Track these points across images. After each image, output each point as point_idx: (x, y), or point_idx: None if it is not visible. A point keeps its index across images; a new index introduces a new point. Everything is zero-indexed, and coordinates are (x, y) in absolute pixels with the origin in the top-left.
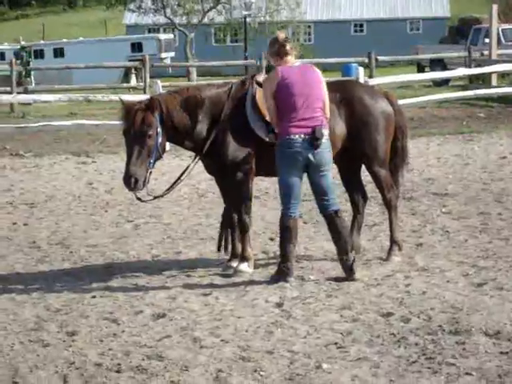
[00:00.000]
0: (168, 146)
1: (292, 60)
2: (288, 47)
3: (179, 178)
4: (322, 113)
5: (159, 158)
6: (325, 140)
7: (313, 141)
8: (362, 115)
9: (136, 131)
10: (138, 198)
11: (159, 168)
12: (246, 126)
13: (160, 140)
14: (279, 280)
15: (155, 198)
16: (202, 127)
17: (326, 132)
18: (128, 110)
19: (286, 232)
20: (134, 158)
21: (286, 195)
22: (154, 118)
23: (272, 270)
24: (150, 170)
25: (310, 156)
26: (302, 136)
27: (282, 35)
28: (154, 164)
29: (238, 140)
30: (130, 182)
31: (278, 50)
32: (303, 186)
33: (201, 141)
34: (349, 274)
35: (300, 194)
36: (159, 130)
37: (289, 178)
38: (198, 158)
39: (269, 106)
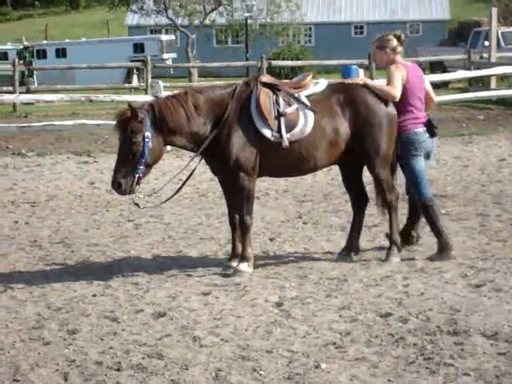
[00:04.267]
0: (168, 146)
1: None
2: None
3: (183, 185)
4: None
5: (154, 162)
6: None
7: (433, 129)
8: (365, 116)
9: (122, 138)
10: (136, 204)
11: (161, 168)
12: (250, 126)
13: (150, 145)
14: (445, 258)
15: (157, 205)
16: (203, 129)
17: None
18: (117, 117)
19: (432, 210)
20: (119, 164)
21: (421, 181)
22: (139, 124)
23: (272, 270)
24: (137, 175)
25: (429, 144)
26: (424, 128)
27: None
28: (144, 169)
29: (243, 140)
30: (115, 186)
31: (397, 45)
32: (303, 187)
33: (202, 142)
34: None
35: None
36: (148, 135)
37: (420, 166)
38: (200, 159)
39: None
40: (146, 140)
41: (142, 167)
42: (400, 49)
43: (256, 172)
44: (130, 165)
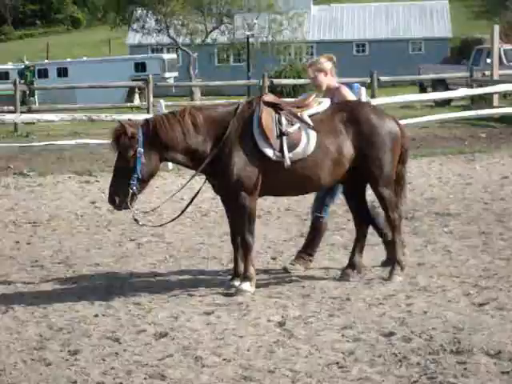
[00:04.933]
0: (170, 165)
1: None
2: None
3: (189, 205)
4: None
5: (148, 178)
6: None
7: None
8: (368, 135)
9: (116, 154)
10: (135, 220)
11: (162, 187)
12: (252, 145)
13: (143, 161)
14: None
15: (160, 225)
16: (202, 146)
17: None
18: (111, 134)
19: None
20: (114, 180)
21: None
22: (131, 140)
23: (274, 289)
24: (131, 191)
25: None
26: None
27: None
28: (138, 185)
29: (244, 159)
30: (111, 202)
31: (332, 67)
32: (305, 205)
33: (202, 160)
34: None
35: None
36: (140, 151)
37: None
38: (205, 179)
39: None
40: (138, 155)
41: (135, 182)
42: (335, 70)
43: (257, 191)
44: (123, 180)
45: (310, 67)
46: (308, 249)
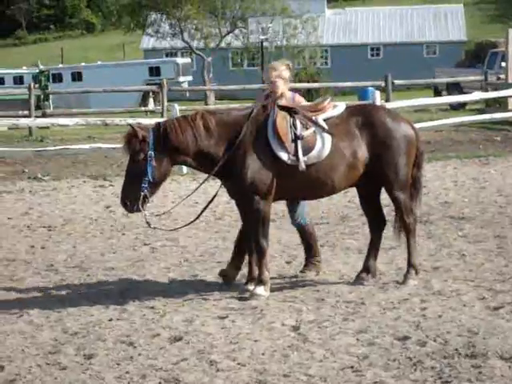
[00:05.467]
0: (185, 169)
1: None
2: None
3: (205, 209)
4: None
5: (159, 181)
6: None
7: None
8: (383, 139)
9: (129, 157)
10: (147, 223)
11: (177, 191)
12: (266, 149)
13: (153, 164)
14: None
15: (175, 229)
16: (214, 150)
17: None
18: (123, 137)
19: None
20: (126, 183)
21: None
22: (142, 143)
23: (288, 293)
24: (143, 194)
25: None
26: None
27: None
28: (149, 187)
29: (258, 163)
30: (123, 204)
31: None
32: (319, 210)
33: (214, 163)
34: None
35: None
36: (151, 154)
37: None
38: (221, 184)
39: None
40: (149, 159)
41: (146, 185)
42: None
43: (272, 195)
44: (135, 183)
45: (273, 71)
46: (310, 253)
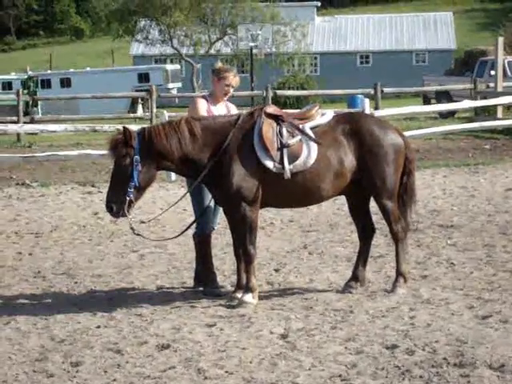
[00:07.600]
0: (174, 176)
1: None
2: None
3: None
4: None
5: (145, 186)
6: None
7: None
8: (370, 147)
9: (113, 161)
10: (131, 228)
11: (166, 198)
12: (252, 157)
13: (139, 169)
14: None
15: (166, 239)
16: (199, 156)
17: None
18: (109, 142)
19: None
20: (111, 187)
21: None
22: (128, 148)
23: (277, 301)
24: (128, 199)
25: None
26: None
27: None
28: (135, 192)
29: (244, 170)
30: (108, 209)
31: None
32: (308, 217)
33: (200, 169)
34: None
35: None
36: (137, 159)
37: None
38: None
39: None
40: (135, 164)
41: (132, 190)
42: None
43: (258, 202)
44: (120, 188)
45: (233, 75)
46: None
